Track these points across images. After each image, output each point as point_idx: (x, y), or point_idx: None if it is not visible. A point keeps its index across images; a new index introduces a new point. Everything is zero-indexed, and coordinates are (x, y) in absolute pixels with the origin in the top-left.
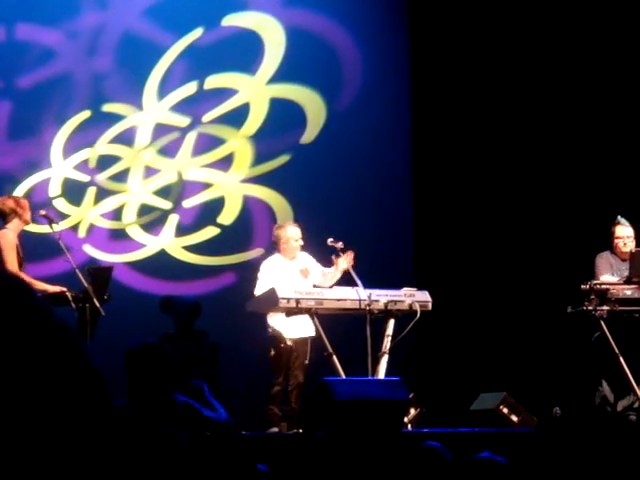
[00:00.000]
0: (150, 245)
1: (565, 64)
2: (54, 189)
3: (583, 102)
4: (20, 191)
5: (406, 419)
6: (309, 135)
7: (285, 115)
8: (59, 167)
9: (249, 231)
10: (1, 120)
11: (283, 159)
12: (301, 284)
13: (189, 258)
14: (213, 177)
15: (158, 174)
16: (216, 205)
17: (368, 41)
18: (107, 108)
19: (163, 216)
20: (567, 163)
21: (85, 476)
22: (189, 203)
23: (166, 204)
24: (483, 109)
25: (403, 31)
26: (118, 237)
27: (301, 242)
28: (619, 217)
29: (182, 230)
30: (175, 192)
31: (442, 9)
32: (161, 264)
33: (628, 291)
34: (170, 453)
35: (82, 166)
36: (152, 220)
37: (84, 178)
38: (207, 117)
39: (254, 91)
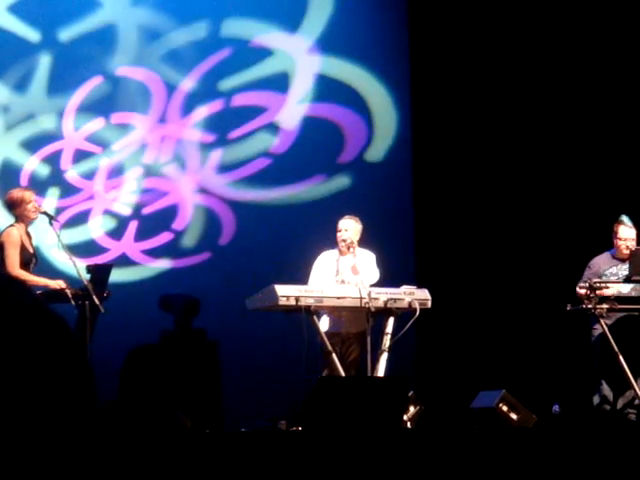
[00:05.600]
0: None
1: (566, 64)
2: (67, 160)
3: (584, 99)
4: (43, 154)
5: (405, 417)
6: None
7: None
8: (71, 136)
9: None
10: (41, 74)
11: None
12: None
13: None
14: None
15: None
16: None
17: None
18: (120, 72)
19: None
20: (567, 161)
21: (68, 471)
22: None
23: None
24: (485, 106)
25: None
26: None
27: (342, 235)
28: (623, 216)
29: None
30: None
31: (443, 28)
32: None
33: (624, 289)
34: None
35: (95, 137)
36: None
37: (96, 150)
38: (233, 134)
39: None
